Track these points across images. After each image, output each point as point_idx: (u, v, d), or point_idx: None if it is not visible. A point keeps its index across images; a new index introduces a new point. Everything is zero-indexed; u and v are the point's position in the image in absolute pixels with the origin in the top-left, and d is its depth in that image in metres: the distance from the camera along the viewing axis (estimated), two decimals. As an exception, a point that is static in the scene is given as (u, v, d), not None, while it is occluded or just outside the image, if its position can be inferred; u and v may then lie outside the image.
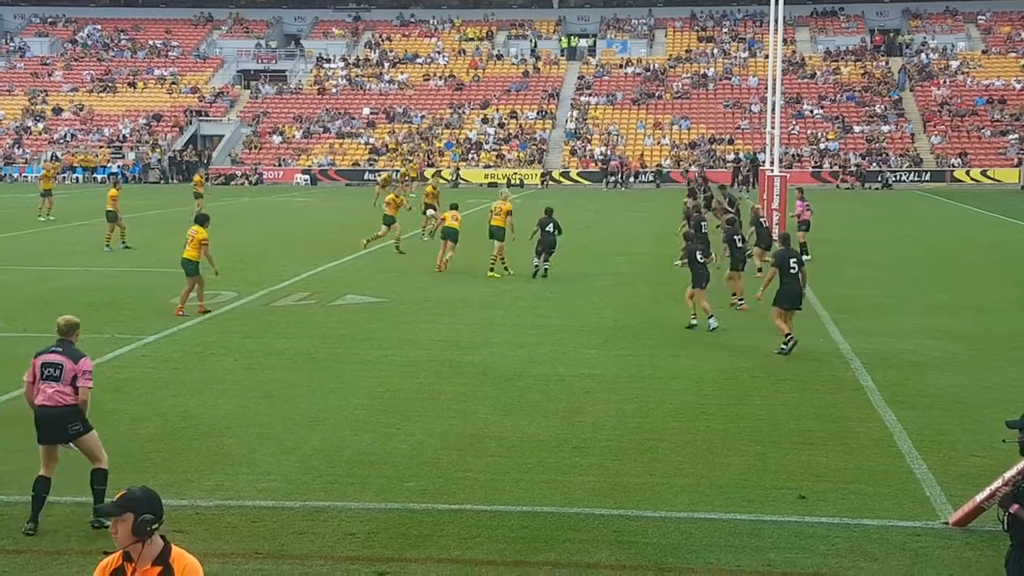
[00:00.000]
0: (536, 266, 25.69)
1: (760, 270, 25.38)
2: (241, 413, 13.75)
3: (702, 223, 24.31)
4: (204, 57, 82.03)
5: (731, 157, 65.67)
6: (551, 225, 25.48)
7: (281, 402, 14.25)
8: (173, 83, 77.54)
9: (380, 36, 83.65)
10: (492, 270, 25.83)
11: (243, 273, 25.14)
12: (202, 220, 21.25)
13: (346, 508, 10.34)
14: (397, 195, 32.03)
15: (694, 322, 19.19)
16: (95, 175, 68.33)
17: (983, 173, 63.97)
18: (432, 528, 9.90)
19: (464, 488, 10.91)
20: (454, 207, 27.85)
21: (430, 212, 33.51)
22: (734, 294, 21.43)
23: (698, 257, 19.17)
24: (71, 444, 9.91)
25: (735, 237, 21.57)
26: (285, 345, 17.88)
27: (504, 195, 28.20)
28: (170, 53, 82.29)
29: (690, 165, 64.21)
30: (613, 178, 64.61)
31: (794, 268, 17.09)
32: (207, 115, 74.85)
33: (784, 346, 17.01)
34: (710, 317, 18.93)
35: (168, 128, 72.89)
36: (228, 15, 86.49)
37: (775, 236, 23.75)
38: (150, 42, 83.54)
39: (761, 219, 26.64)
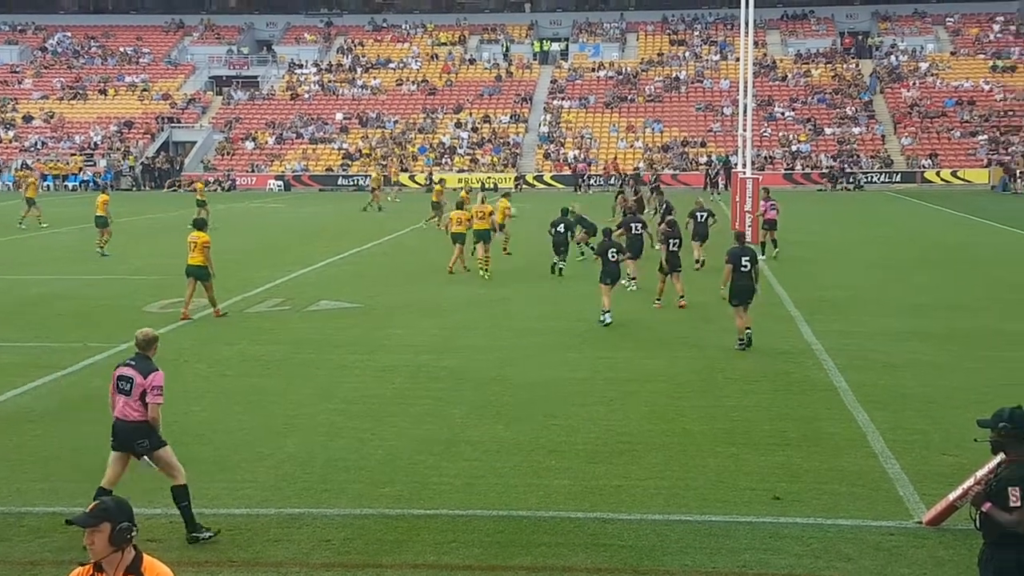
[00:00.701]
0: (554, 263, 26.58)
1: (697, 261, 26.72)
2: (215, 420, 13.69)
3: (632, 224, 24.75)
4: (175, 64, 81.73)
5: (703, 160, 65.92)
6: (562, 225, 25.81)
7: (255, 409, 14.20)
8: (144, 90, 77.19)
9: (352, 41, 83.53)
10: (483, 271, 26.32)
11: (217, 279, 24.97)
12: (201, 225, 21.60)
13: (321, 515, 10.31)
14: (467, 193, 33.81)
15: (607, 319, 19.83)
16: (66, 183, 67.96)
17: (953, 174, 64.46)
18: (407, 534, 9.89)
19: (439, 493, 10.90)
20: (459, 206, 28.17)
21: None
22: (681, 296, 21.96)
23: (610, 255, 20.07)
24: (147, 460, 9.76)
25: (671, 240, 22.04)
26: (259, 351, 17.83)
27: (481, 198, 28.70)
28: (141, 60, 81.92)
29: (662, 168, 64.38)
30: (582, 181, 64.74)
31: (746, 266, 17.63)
32: (179, 122, 74.56)
33: (741, 342, 17.69)
34: (605, 312, 19.81)
35: (140, 135, 72.56)
36: (199, 21, 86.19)
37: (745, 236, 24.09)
38: (121, 49, 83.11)
39: (698, 213, 27.73)
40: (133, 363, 9.81)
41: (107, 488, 9.70)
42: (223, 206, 52.69)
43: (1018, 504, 6.80)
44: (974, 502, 7.13)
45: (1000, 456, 7.29)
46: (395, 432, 13.05)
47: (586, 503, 10.58)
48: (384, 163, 66.63)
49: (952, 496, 9.66)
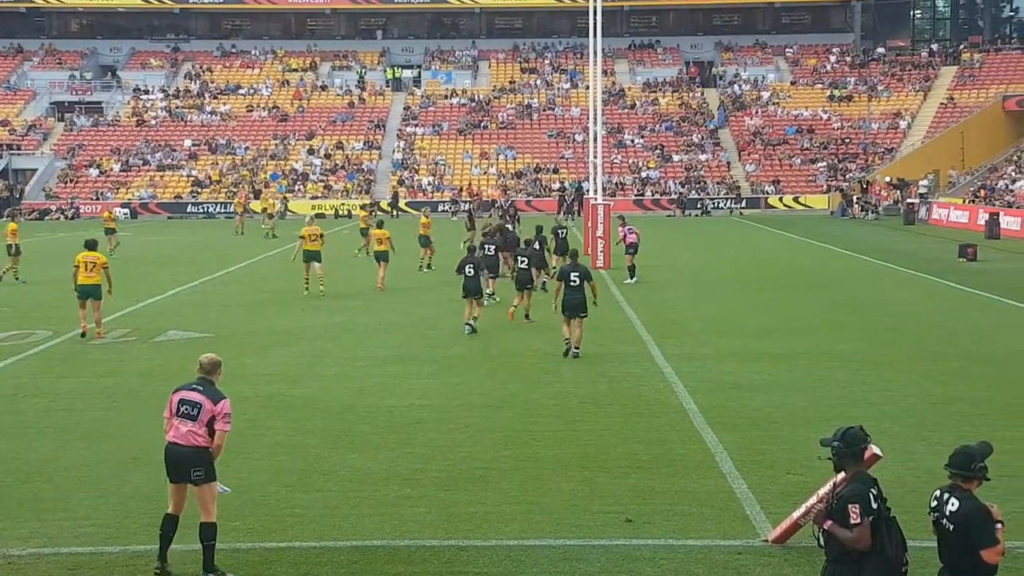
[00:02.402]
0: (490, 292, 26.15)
1: (553, 268, 28.52)
2: (57, 456, 13.22)
3: (486, 245, 25.75)
4: (15, 89, 79.09)
5: (556, 186, 66.73)
6: (492, 248, 25.58)
7: (100, 443, 13.76)
8: (-19, 115, 74.51)
9: (200, 67, 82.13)
10: (308, 287, 27.72)
11: (58, 310, 24.21)
12: (92, 245, 21.72)
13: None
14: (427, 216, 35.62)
15: (467, 330, 21.55)
16: None
17: (795, 199, 66.69)
18: (260, 567, 9.70)
19: (293, 525, 10.74)
20: (379, 225, 29.63)
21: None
22: (524, 313, 22.98)
23: (467, 271, 21.68)
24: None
25: (519, 258, 23.13)
26: (104, 384, 17.30)
27: (309, 220, 29.43)
28: (-23, 84, 79.09)
29: (516, 195, 64.88)
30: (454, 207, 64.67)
31: (575, 281, 19.01)
32: (19, 148, 72.14)
33: (567, 347, 19.12)
34: (467, 323, 21.61)
35: (-24, 161, 69.95)
36: (40, 46, 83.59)
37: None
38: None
39: (559, 230, 31.34)
40: (200, 388, 9.59)
41: (174, 515, 9.53)
42: (64, 235, 51.10)
43: (858, 521, 7.01)
44: (816, 520, 7.33)
45: (841, 474, 7.52)
46: (247, 464, 12.81)
47: (441, 531, 10.55)
48: (235, 190, 65.59)
49: (796, 514, 9.94)
